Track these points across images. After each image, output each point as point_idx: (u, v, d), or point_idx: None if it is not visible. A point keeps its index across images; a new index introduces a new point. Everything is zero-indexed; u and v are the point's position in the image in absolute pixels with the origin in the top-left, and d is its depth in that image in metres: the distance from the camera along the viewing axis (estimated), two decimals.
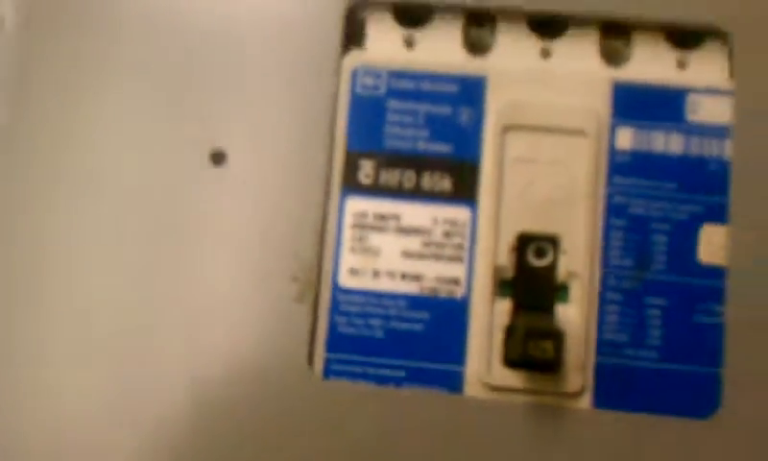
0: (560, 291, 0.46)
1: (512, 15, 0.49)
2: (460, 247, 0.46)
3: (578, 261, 0.46)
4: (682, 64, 0.48)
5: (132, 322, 0.47)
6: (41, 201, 0.48)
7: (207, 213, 0.47)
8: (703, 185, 0.47)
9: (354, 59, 0.48)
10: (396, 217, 0.47)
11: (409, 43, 0.49)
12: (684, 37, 0.48)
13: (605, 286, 0.46)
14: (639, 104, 0.48)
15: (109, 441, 0.46)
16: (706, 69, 0.48)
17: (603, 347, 0.46)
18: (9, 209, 0.49)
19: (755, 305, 0.45)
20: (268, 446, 0.46)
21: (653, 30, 0.48)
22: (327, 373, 0.46)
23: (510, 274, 0.46)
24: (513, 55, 0.49)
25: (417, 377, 0.46)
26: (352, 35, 0.49)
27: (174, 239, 0.47)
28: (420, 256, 0.47)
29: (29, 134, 0.49)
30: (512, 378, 0.45)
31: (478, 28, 0.49)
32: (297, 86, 0.48)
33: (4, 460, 0.47)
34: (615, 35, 0.49)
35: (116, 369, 0.47)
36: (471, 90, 0.48)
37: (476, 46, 0.49)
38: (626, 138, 0.47)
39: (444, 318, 0.46)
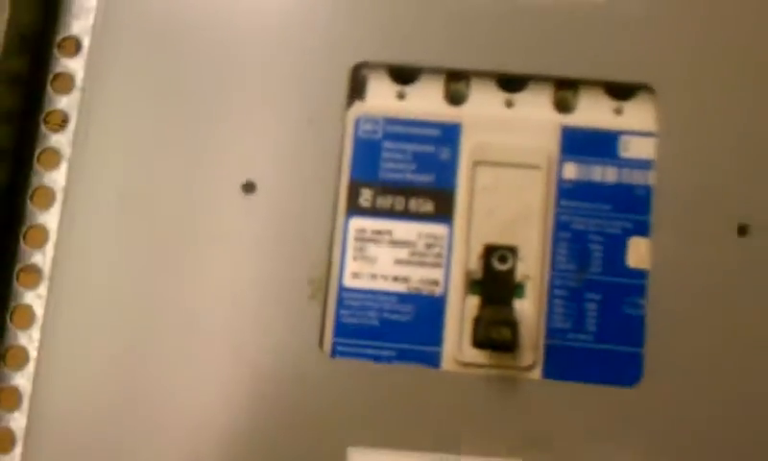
0: (517, 289, 0.52)
1: (483, 74, 0.55)
2: (439, 255, 0.52)
3: (532, 266, 0.52)
4: (617, 112, 0.54)
5: (181, 319, 0.53)
6: (106, 216, 0.54)
7: (242, 231, 0.53)
8: (631, 207, 0.53)
9: (357, 109, 0.54)
10: (389, 232, 0.53)
11: (401, 96, 0.55)
12: (620, 91, 0.54)
13: (552, 285, 0.52)
14: (582, 143, 0.54)
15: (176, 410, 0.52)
16: (636, 116, 0.54)
17: (550, 332, 0.52)
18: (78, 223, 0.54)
19: (670, 300, 0.51)
20: (288, 409, 0.51)
21: (595, 85, 0.54)
22: (334, 353, 0.52)
23: (478, 276, 0.52)
24: (483, 105, 0.55)
25: (404, 356, 0.52)
26: (355, 89, 0.54)
27: (215, 252, 0.53)
28: (408, 263, 0.53)
29: (93, 158, 0.55)
30: (479, 356, 0.51)
31: (456, 84, 0.55)
32: (312, 131, 0.54)
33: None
34: (565, 89, 0.54)
35: (174, 356, 0.52)
36: (450, 134, 0.54)
37: (454, 98, 0.55)
38: (571, 171, 0.53)
39: (425, 310, 0.52)
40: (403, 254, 0.53)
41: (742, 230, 0.52)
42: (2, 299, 0.54)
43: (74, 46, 0.56)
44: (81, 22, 0.57)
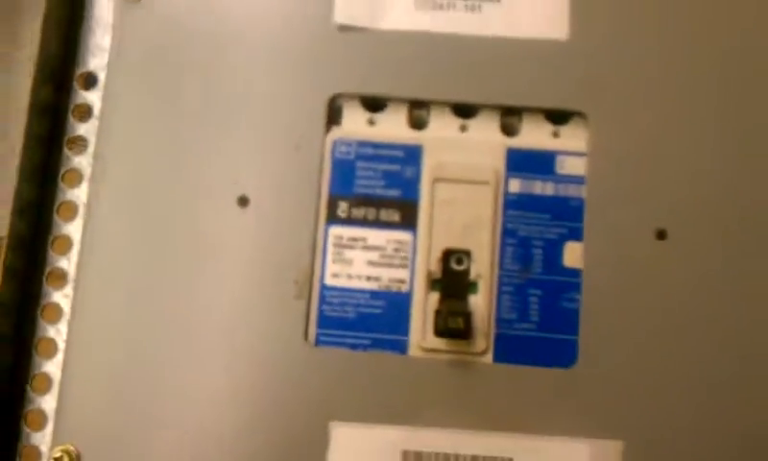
0: (471, 286, 0.54)
1: (440, 103, 0.56)
2: (405, 258, 0.54)
3: (483, 267, 0.54)
4: (555, 135, 0.56)
5: (185, 315, 0.54)
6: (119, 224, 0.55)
7: (237, 239, 0.54)
8: (566, 216, 0.54)
9: (334, 134, 0.56)
10: (363, 239, 0.55)
11: (371, 122, 0.56)
12: (557, 117, 0.55)
13: (501, 283, 0.54)
14: (525, 162, 0.55)
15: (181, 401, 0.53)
16: (570, 139, 0.56)
17: (499, 322, 0.53)
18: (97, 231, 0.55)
19: (600, 295, 0.53)
20: (279, 391, 0.53)
21: (536, 112, 0.56)
22: (318, 342, 0.54)
23: (438, 275, 0.54)
24: (440, 130, 0.56)
25: (377, 344, 0.54)
26: (332, 117, 0.56)
27: (215, 257, 0.54)
28: (379, 265, 0.55)
29: (109, 177, 0.56)
30: (439, 344, 0.53)
31: (418, 112, 0.56)
32: (297, 153, 0.55)
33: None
34: (510, 115, 0.56)
35: (180, 348, 0.54)
36: (413, 154, 0.56)
37: (416, 124, 0.56)
38: (515, 185, 0.55)
39: (394, 305, 0.54)
40: (375, 257, 0.55)
41: (660, 235, 0.53)
42: (34, 297, 0.55)
43: (91, 80, 0.57)
44: (97, 59, 0.57)
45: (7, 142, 0.55)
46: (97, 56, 0.58)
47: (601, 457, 0.51)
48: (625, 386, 0.52)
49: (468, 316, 0.52)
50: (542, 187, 0.55)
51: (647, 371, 0.52)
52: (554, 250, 0.54)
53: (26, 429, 0.54)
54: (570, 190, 0.55)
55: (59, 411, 0.53)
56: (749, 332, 0.52)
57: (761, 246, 0.53)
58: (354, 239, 0.55)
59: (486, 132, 0.56)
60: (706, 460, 0.51)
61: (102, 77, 0.57)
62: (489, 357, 0.53)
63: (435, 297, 0.54)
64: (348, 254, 0.55)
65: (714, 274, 0.53)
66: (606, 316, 0.53)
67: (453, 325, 0.52)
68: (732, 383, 0.52)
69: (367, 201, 0.55)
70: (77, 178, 0.56)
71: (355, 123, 0.57)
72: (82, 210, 0.56)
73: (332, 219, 0.55)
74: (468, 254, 0.54)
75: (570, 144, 0.56)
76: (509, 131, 0.56)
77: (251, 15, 0.57)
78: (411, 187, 0.55)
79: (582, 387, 0.52)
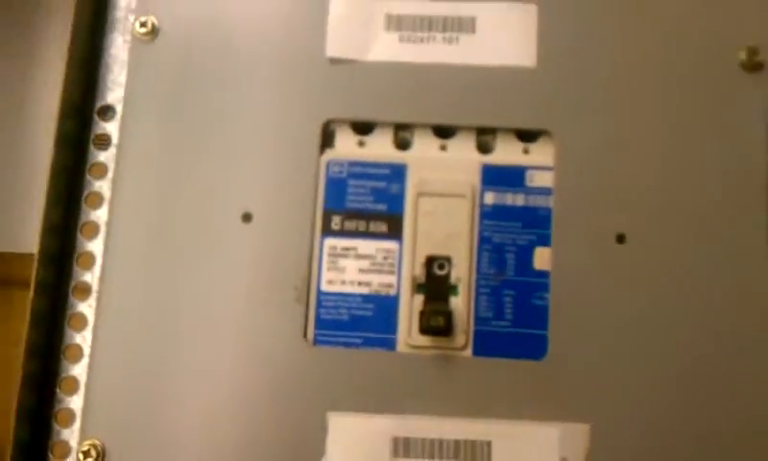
0: (452, 289, 0.55)
1: (423, 126, 0.58)
2: (392, 265, 0.56)
3: (462, 271, 0.55)
4: (525, 152, 0.57)
5: (197, 320, 0.55)
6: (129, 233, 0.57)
7: (242, 251, 0.56)
8: (536, 224, 0.56)
9: (328, 155, 0.57)
10: (355, 249, 0.56)
11: (361, 144, 0.58)
12: (527, 136, 0.57)
13: (478, 285, 0.55)
14: (498, 177, 0.57)
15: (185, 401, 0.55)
16: (539, 155, 0.57)
17: (478, 320, 0.55)
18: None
19: (567, 294, 0.55)
20: (281, 385, 0.54)
21: (508, 132, 0.57)
22: (315, 342, 0.55)
23: (422, 280, 0.55)
24: (423, 150, 0.58)
25: (368, 342, 0.55)
26: (326, 140, 0.57)
27: (223, 267, 0.56)
28: (369, 271, 0.56)
29: (127, 199, 0.57)
30: (424, 341, 0.54)
31: (402, 134, 0.58)
32: (294, 173, 0.57)
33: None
34: (485, 135, 0.57)
35: (192, 348, 0.55)
36: (398, 172, 0.57)
37: (401, 145, 0.58)
38: (490, 198, 0.56)
39: (383, 307, 0.55)
40: (365, 264, 0.56)
41: (620, 239, 0.55)
42: (62, 309, 0.56)
43: (110, 112, 0.59)
44: (114, 93, 0.59)
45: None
46: (114, 90, 0.59)
47: (570, 439, 0.52)
48: (591, 375, 0.53)
49: (449, 315, 0.54)
50: (514, 199, 0.57)
51: (611, 361, 0.53)
52: (525, 254, 0.56)
53: (56, 427, 0.55)
54: (539, 201, 0.56)
55: (85, 410, 0.55)
56: (699, 325, 0.53)
57: (708, 248, 0.55)
58: (347, 249, 0.56)
59: (463, 150, 0.58)
60: (664, 439, 0.52)
61: (119, 109, 0.58)
62: (468, 352, 0.55)
63: (419, 299, 0.55)
64: (342, 262, 0.56)
65: (668, 273, 0.54)
66: (572, 313, 0.54)
67: (436, 323, 0.54)
68: (684, 370, 0.53)
69: (357, 214, 0.57)
70: (98, 200, 0.57)
71: (346, 145, 0.58)
72: (103, 230, 0.57)
73: (327, 231, 0.57)
74: (448, 260, 0.56)
75: (539, 160, 0.57)
76: (484, 149, 0.58)
77: (254, 52, 0.58)
78: (397, 202, 0.57)
79: (552, 377, 0.54)
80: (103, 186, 0.58)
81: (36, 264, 0.54)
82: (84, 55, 0.59)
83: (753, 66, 0.57)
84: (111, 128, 0.59)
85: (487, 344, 0.55)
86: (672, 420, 0.53)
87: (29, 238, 0.68)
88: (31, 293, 0.54)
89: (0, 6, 0.77)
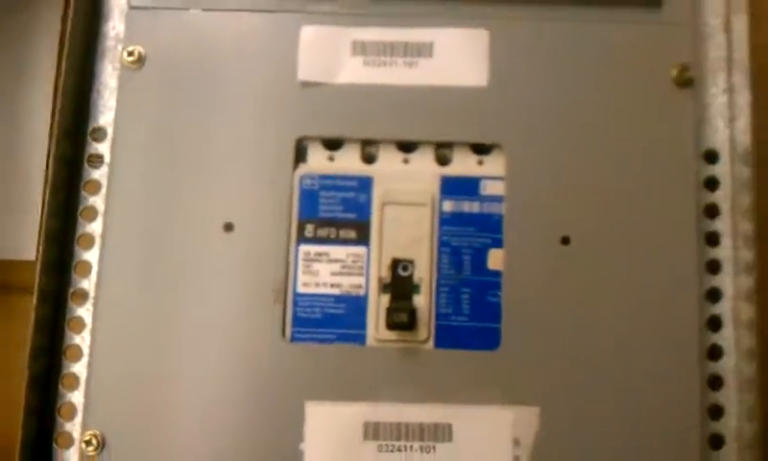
0: (414, 288, 0.57)
1: (387, 142, 0.59)
2: (361, 268, 0.57)
3: (424, 272, 0.57)
4: (480, 163, 0.59)
5: (185, 321, 0.57)
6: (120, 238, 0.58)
7: (225, 258, 0.57)
8: (489, 228, 0.58)
9: (301, 169, 0.58)
10: (327, 254, 0.58)
11: (331, 159, 0.59)
12: (481, 149, 0.59)
13: (438, 284, 0.57)
14: (455, 186, 0.58)
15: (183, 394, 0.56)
16: (492, 166, 0.59)
17: (438, 316, 0.57)
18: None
19: (517, 292, 0.57)
20: (262, 378, 0.56)
21: (464, 145, 0.59)
22: (293, 339, 0.57)
23: (388, 281, 0.57)
24: (387, 163, 0.60)
25: (341, 338, 0.57)
26: (299, 155, 0.59)
27: (207, 273, 0.57)
28: (340, 274, 0.58)
29: (119, 213, 0.58)
30: (391, 335, 0.56)
31: (368, 148, 0.59)
32: (271, 186, 0.58)
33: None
34: (443, 148, 0.59)
35: (180, 351, 0.57)
36: (365, 184, 0.58)
37: (368, 159, 0.59)
38: (448, 206, 0.58)
39: (353, 306, 0.57)
40: (336, 268, 0.58)
41: (564, 241, 0.57)
42: (62, 313, 0.58)
43: (102, 134, 0.60)
44: (105, 117, 0.61)
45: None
46: (105, 113, 0.61)
47: (522, 421, 0.55)
48: (539, 363, 0.56)
49: (412, 312, 0.56)
50: (470, 206, 0.59)
51: (556, 351, 0.56)
52: (480, 256, 0.58)
53: (60, 420, 0.57)
54: (492, 208, 0.58)
55: (86, 404, 0.56)
56: (631, 319, 0.56)
57: (642, 250, 0.57)
58: (320, 254, 0.58)
59: (423, 163, 0.60)
60: (603, 419, 0.55)
61: (110, 131, 0.60)
62: (430, 344, 0.57)
63: (386, 298, 0.57)
64: (316, 266, 0.58)
65: (606, 272, 0.57)
66: (522, 308, 0.57)
67: (400, 319, 0.56)
68: (618, 359, 0.56)
69: (329, 223, 0.58)
70: (93, 214, 0.59)
71: (318, 160, 0.60)
72: (98, 240, 0.58)
73: (301, 239, 0.58)
74: (411, 262, 0.58)
75: (492, 170, 0.59)
76: (442, 161, 0.59)
77: (232, 77, 0.60)
78: (364, 211, 0.58)
79: (505, 365, 0.56)
80: (97, 201, 0.59)
81: (38, 273, 0.55)
82: (77, 81, 0.60)
83: (683, 82, 0.59)
84: (103, 148, 0.60)
85: (447, 337, 0.57)
86: (608, 402, 0.55)
87: (26, 246, 0.75)
88: (34, 300, 0.55)
89: None
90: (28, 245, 0.77)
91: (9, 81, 0.79)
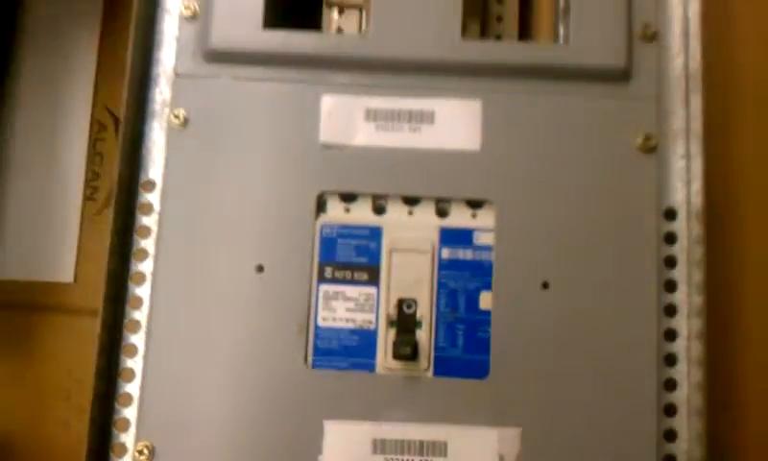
0: (417, 324, 0.61)
1: (394, 196, 0.62)
2: (372, 306, 0.61)
3: (425, 310, 0.60)
4: (473, 216, 0.62)
5: (223, 349, 0.60)
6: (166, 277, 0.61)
7: (256, 294, 0.60)
8: (481, 274, 0.61)
9: (322, 219, 0.62)
10: (343, 293, 0.61)
11: (347, 210, 0.62)
12: (475, 204, 0.62)
13: (437, 321, 0.61)
14: (452, 236, 0.62)
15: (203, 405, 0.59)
16: (484, 219, 0.62)
17: (437, 348, 0.60)
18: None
19: (504, 329, 0.61)
20: (287, 400, 0.59)
21: (460, 201, 0.62)
22: (314, 366, 0.60)
23: (395, 317, 0.60)
24: (394, 215, 0.62)
25: (354, 366, 0.60)
26: (320, 207, 0.62)
27: (242, 309, 0.61)
28: (354, 310, 0.61)
29: (166, 255, 0.62)
30: (397, 365, 0.60)
31: (379, 201, 0.62)
32: (296, 234, 0.61)
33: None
34: (443, 203, 0.62)
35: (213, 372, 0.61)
36: (376, 233, 0.62)
37: (378, 211, 0.62)
38: (446, 253, 0.61)
39: (365, 338, 0.60)
40: (351, 305, 0.61)
41: (545, 285, 0.60)
42: (118, 340, 0.61)
43: (151, 186, 0.63)
44: (155, 170, 0.64)
45: None
46: (154, 167, 0.64)
47: (506, 440, 0.58)
48: (522, 391, 0.59)
49: (415, 345, 0.59)
50: (464, 254, 0.62)
51: (536, 381, 0.59)
52: (473, 297, 0.61)
53: (115, 432, 0.60)
54: (483, 255, 0.61)
55: (138, 419, 0.60)
56: (605, 354, 0.60)
57: (610, 297, 0.61)
58: (337, 293, 0.61)
59: (426, 215, 0.62)
60: (577, 439, 0.59)
61: (159, 183, 0.63)
62: (430, 373, 0.60)
63: (392, 332, 0.60)
64: (333, 303, 0.61)
65: (581, 312, 0.60)
66: (508, 343, 0.60)
67: (404, 351, 0.59)
68: (590, 388, 0.59)
69: (345, 266, 0.61)
70: (144, 255, 0.62)
71: (336, 211, 0.62)
72: (149, 278, 0.62)
73: (322, 279, 0.61)
74: (414, 301, 0.61)
75: (483, 223, 0.62)
76: (442, 214, 0.62)
77: (264, 138, 0.63)
78: (375, 256, 0.61)
79: (492, 392, 0.59)
80: (148, 244, 0.62)
81: (101, 306, 0.59)
82: (132, 138, 0.63)
83: (648, 149, 0.63)
84: (153, 198, 0.63)
85: (444, 367, 0.60)
86: (580, 425, 0.59)
87: (62, 269, 0.77)
88: (98, 329, 0.59)
89: (37, 63, 0.79)
90: (65, 267, 0.79)
91: (47, 115, 0.81)
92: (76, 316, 0.75)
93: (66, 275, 0.75)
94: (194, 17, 0.65)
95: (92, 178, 0.77)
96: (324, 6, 0.67)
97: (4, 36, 0.79)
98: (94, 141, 0.76)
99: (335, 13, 0.68)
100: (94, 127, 0.75)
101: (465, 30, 0.63)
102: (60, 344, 0.71)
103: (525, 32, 0.71)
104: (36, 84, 0.81)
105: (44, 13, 0.80)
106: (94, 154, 0.77)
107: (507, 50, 0.65)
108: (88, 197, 0.77)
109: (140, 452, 0.59)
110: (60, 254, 0.76)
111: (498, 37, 0.70)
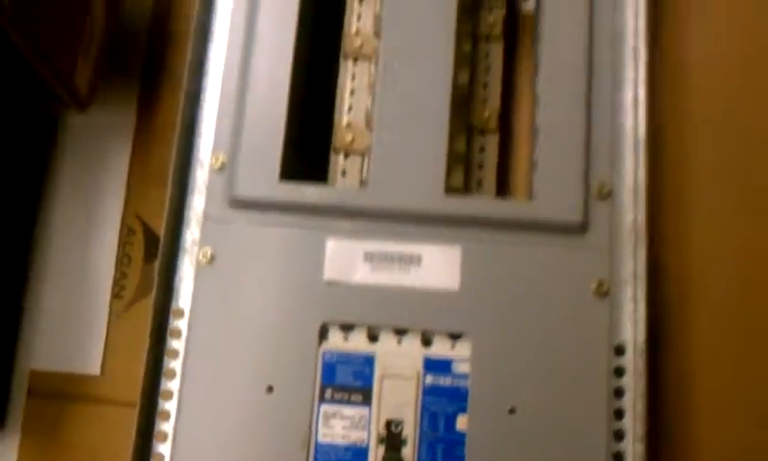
0: (403, 442, 0.65)
1: (386, 328, 0.67)
2: (364, 425, 0.66)
3: (410, 430, 0.65)
4: (452, 347, 0.66)
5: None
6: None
7: (266, 412, 0.66)
8: (459, 399, 0.66)
9: (324, 347, 0.67)
10: (341, 412, 0.66)
11: (345, 339, 0.67)
12: (454, 336, 0.66)
13: (420, 440, 0.65)
14: (435, 365, 0.67)
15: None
16: (462, 349, 0.67)
17: None
18: None
19: (477, 447, 0.65)
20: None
21: (441, 333, 0.67)
22: None
23: (384, 436, 0.65)
24: (386, 344, 0.68)
25: None
26: (322, 336, 0.67)
27: (255, 423, 0.66)
28: (349, 428, 0.65)
29: (191, 371, 0.68)
30: None
31: (372, 331, 0.67)
32: (302, 359, 0.66)
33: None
34: (427, 334, 0.67)
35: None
36: (369, 361, 0.66)
37: (371, 339, 0.67)
38: (429, 379, 0.66)
39: (358, 454, 0.66)
40: (347, 423, 0.65)
41: (512, 411, 0.65)
42: (151, 426, 0.67)
43: (180, 314, 0.68)
44: (183, 300, 0.69)
45: None
46: (183, 297, 0.69)
47: None
48: None
49: None
50: (444, 381, 0.66)
51: None
52: (451, 420, 0.65)
53: None
54: (460, 382, 0.65)
55: None
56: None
57: (570, 421, 0.65)
58: (335, 413, 0.65)
59: (412, 345, 0.67)
60: None
61: (187, 312, 0.68)
62: None
63: (382, 448, 0.64)
64: (332, 421, 0.65)
65: (542, 436, 0.65)
66: (480, 454, 0.65)
67: None
68: None
69: (343, 389, 0.66)
70: (172, 374, 0.67)
71: (336, 340, 0.67)
72: (176, 394, 0.67)
73: (322, 400, 0.65)
74: (401, 422, 0.65)
75: (461, 353, 0.66)
76: (426, 344, 0.66)
77: (275, 275, 0.68)
78: (368, 380, 0.65)
79: None
80: (176, 365, 0.67)
81: (139, 402, 0.66)
82: (167, 270, 0.69)
83: (601, 293, 0.67)
84: (182, 324, 0.67)
85: None
86: None
87: (90, 361, 0.79)
88: (136, 416, 0.64)
89: (73, 171, 0.82)
90: (92, 360, 0.81)
91: (82, 219, 0.83)
92: (102, 406, 0.76)
93: (94, 367, 0.76)
94: (222, 169, 0.70)
95: (120, 277, 0.78)
96: (331, 152, 0.73)
97: (43, 145, 0.82)
98: (123, 244, 0.78)
99: (341, 158, 0.74)
100: (124, 231, 0.77)
101: (449, 175, 0.68)
102: (87, 432, 0.73)
103: (504, 179, 0.76)
104: (72, 190, 0.83)
105: (80, 124, 0.84)
106: (123, 255, 0.78)
107: (483, 205, 0.70)
108: (116, 294, 0.78)
109: None
110: (89, 348, 0.77)
111: (479, 183, 0.77)
